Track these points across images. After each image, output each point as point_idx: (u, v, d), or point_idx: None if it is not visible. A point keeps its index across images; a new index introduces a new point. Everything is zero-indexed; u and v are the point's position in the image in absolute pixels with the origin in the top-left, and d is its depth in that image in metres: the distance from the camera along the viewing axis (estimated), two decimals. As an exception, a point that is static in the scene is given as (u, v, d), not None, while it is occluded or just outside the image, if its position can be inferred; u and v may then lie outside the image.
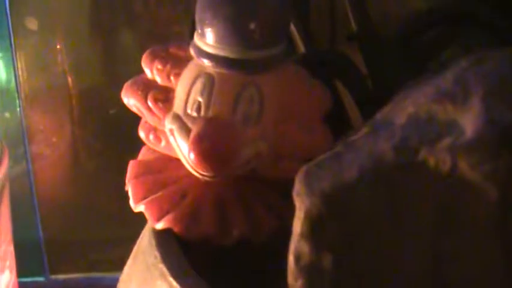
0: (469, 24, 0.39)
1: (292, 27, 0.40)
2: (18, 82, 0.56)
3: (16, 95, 0.56)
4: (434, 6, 0.40)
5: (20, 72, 0.56)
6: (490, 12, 0.39)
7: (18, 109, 0.57)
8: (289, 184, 0.28)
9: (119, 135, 0.57)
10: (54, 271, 0.61)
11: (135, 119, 0.36)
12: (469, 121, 0.25)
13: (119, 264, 0.37)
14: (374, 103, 0.31)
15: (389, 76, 0.39)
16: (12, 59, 0.55)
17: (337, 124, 0.34)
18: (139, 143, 0.36)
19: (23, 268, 0.57)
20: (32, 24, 0.55)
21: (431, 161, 0.25)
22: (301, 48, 0.40)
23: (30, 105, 0.57)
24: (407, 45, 0.40)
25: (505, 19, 0.39)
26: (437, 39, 0.39)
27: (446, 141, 0.25)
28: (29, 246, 0.59)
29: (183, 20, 0.54)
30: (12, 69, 0.56)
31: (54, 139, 0.58)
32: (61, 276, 0.61)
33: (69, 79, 0.56)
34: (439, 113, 0.26)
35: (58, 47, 0.55)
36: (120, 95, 0.35)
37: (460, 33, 0.39)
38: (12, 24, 0.54)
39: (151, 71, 0.34)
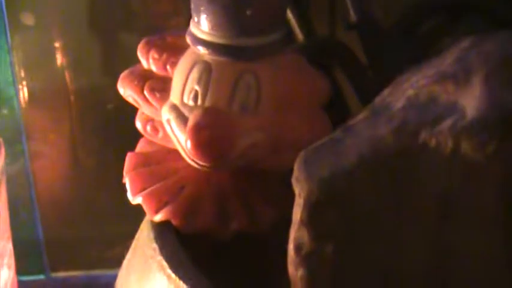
0: (470, 13, 0.39)
1: (290, 15, 0.40)
2: (15, 79, 0.56)
3: (14, 92, 0.56)
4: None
5: (17, 69, 0.56)
6: (491, 1, 0.39)
7: (15, 106, 0.56)
8: (288, 176, 0.27)
9: (118, 132, 0.57)
10: (54, 269, 0.61)
11: (134, 115, 0.35)
12: (470, 101, 0.24)
13: (119, 262, 0.37)
14: (374, 92, 0.30)
15: (389, 65, 0.39)
16: (9, 55, 0.55)
17: (337, 113, 0.34)
18: (138, 140, 0.36)
19: (23, 266, 0.57)
20: (29, 19, 0.54)
21: (432, 143, 0.24)
22: (300, 36, 0.40)
23: (28, 102, 0.57)
24: (407, 34, 0.39)
25: (506, 8, 0.39)
26: (438, 28, 0.39)
27: (448, 123, 0.24)
28: (28, 245, 0.59)
29: (181, 14, 0.53)
30: (9, 65, 0.55)
31: (52, 136, 0.58)
32: (61, 274, 0.61)
33: (67, 75, 0.56)
34: (440, 94, 0.26)
35: (55, 42, 0.55)
36: (118, 91, 0.35)
37: (461, 22, 0.39)
38: (8, 19, 0.54)
39: (148, 60, 0.34)
